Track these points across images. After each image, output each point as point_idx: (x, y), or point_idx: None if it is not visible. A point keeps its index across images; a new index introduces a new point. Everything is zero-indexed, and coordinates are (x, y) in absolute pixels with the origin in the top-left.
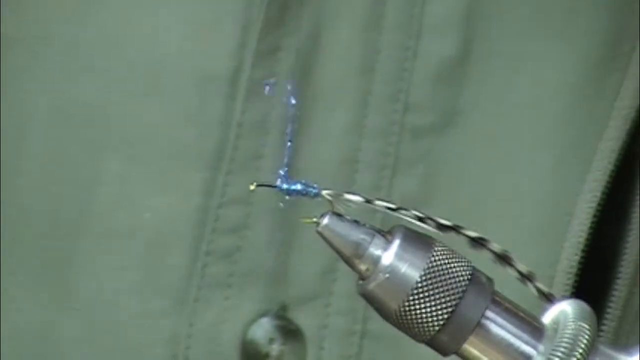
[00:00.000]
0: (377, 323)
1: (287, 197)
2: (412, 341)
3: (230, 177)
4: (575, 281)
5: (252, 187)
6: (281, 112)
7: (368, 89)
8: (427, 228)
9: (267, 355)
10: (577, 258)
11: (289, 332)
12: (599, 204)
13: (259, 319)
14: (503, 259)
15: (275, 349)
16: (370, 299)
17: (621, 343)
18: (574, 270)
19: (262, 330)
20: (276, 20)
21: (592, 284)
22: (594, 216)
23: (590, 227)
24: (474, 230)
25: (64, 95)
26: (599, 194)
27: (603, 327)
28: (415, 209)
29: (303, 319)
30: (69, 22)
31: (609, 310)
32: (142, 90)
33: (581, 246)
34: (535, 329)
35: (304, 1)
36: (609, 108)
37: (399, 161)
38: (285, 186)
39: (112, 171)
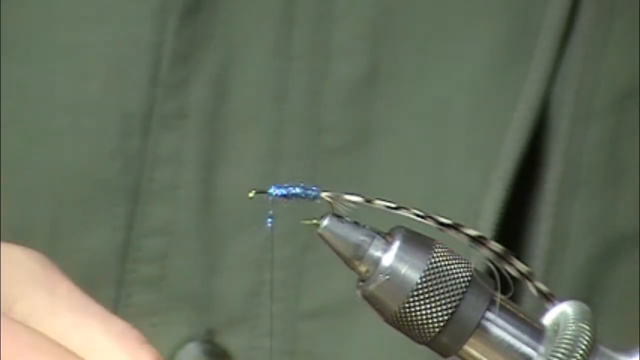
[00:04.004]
0: (306, 341)
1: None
2: (342, 358)
3: (148, 208)
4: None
5: (250, 195)
6: (194, 142)
7: (281, 115)
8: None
9: None
10: None
11: (217, 355)
12: (504, 202)
13: (185, 345)
14: (503, 258)
15: None
16: (370, 301)
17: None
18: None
19: (189, 355)
20: (185, 54)
21: None
22: (501, 213)
23: (498, 226)
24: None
25: None
26: (503, 192)
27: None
28: (415, 208)
29: (231, 342)
30: None
31: None
32: (68, 131)
33: None
34: (535, 330)
35: (212, 34)
36: (510, 109)
37: (316, 182)
38: (284, 191)
39: (44, 215)
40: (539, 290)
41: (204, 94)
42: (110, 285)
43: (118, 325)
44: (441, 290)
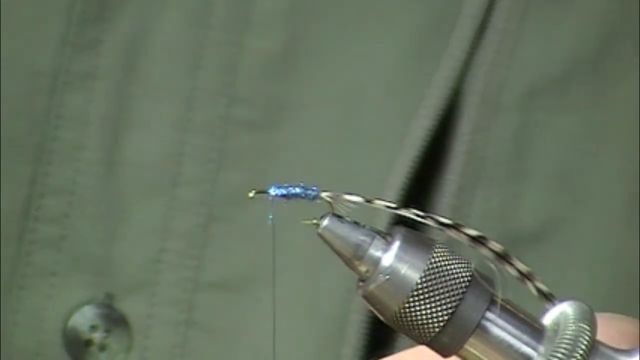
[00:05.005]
0: (203, 313)
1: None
2: (239, 332)
3: (50, 168)
4: None
5: (250, 195)
6: (101, 104)
7: (194, 84)
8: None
9: (90, 342)
10: None
11: (113, 320)
12: (405, 189)
13: (82, 307)
14: (503, 257)
15: (98, 336)
16: (370, 301)
17: None
18: None
19: (84, 317)
20: (95, 15)
21: None
22: (401, 201)
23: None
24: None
25: None
26: (405, 180)
27: None
28: (415, 208)
29: (129, 308)
30: None
31: None
32: None
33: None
34: (535, 330)
35: None
36: (422, 96)
37: (225, 155)
38: (283, 191)
39: None
40: (539, 290)
41: (115, 57)
42: (11, 243)
43: None
44: (441, 290)
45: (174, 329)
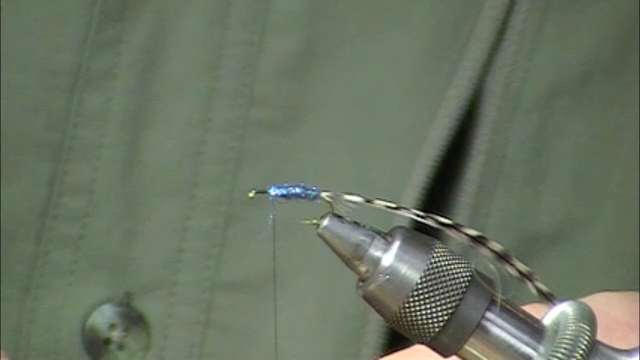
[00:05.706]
0: (221, 313)
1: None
2: (256, 332)
3: (69, 166)
4: None
5: (250, 195)
6: (121, 103)
7: (213, 84)
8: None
9: (108, 341)
10: None
11: (132, 319)
12: (426, 189)
13: (101, 306)
14: (503, 257)
15: (116, 335)
16: (370, 301)
17: None
18: None
19: (103, 316)
20: (115, 14)
21: None
22: (422, 200)
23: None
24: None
25: None
26: (425, 179)
27: None
28: (415, 208)
29: (147, 307)
30: None
31: None
32: None
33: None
34: (535, 330)
35: None
36: (441, 97)
37: (244, 155)
38: (283, 191)
39: None
40: (539, 290)
41: (135, 56)
42: (29, 241)
43: None
44: (441, 290)
45: (192, 328)
